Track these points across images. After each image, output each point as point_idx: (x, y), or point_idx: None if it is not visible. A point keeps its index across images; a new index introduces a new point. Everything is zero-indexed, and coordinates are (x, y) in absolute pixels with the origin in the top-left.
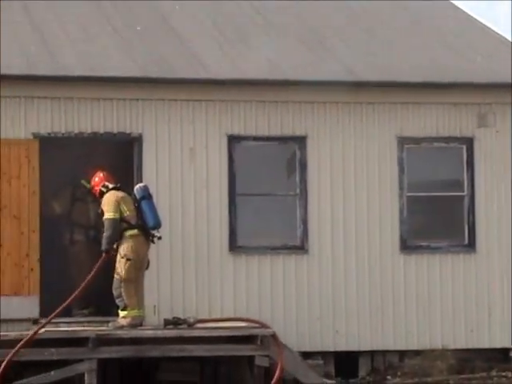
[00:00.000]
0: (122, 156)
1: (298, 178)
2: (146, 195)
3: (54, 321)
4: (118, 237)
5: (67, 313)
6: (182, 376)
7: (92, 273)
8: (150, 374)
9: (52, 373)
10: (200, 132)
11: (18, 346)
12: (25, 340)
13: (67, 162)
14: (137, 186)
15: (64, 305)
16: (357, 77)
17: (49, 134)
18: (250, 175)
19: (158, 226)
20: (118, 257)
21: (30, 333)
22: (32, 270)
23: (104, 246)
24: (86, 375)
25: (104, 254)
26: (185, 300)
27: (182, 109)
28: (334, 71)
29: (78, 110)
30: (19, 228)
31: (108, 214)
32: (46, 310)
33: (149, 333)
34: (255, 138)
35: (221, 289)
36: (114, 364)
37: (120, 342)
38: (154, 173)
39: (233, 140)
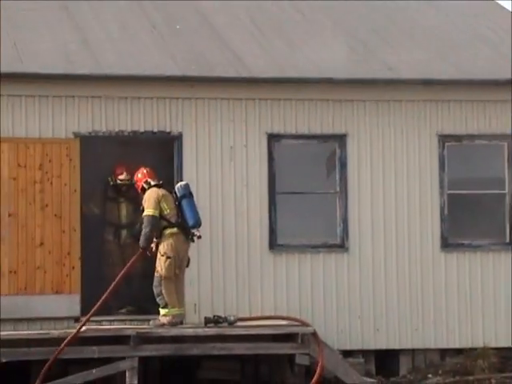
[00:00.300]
0: (162, 155)
1: (337, 177)
2: (187, 194)
3: (96, 319)
4: (156, 234)
5: (108, 311)
6: (223, 375)
7: (125, 268)
8: (191, 373)
9: (94, 370)
10: (240, 130)
11: (62, 345)
12: (68, 339)
13: (107, 160)
14: (178, 185)
15: (100, 301)
16: (397, 74)
17: (89, 133)
18: (289, 174)
19: (197, 224)
20: (158, 255)
21: (73, 331)
22: (73, 268)
23: (142, 243)
24: (127, 373)
25: (141, 250)
26: (225, 298)
27: (222, 107)
28: (373, 69)
29: (119, 108)
30: (60, 226)
31: (148, 211)
32: (87, 309)
33: (189, 331)
34: (295, 137)
35: (261, 287)
36: (155, 362)
37: (161, 340)
38: (193, 171)
39: (273, 138)
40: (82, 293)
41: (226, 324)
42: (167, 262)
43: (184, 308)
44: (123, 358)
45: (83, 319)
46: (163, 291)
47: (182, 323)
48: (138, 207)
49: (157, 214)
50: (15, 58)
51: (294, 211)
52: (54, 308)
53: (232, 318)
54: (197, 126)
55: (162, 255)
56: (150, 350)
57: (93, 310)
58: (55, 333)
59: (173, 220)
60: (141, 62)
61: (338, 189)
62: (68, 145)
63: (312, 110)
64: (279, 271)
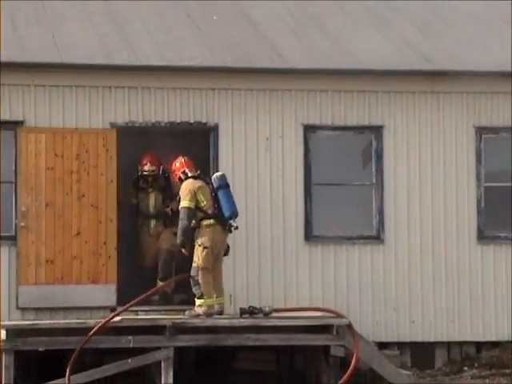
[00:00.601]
0: (198, 145)
1: (373, 168)
2: (223, 184)
3: (132, 309)
4: (193, 225)
5: (145, 301)
6: (258, 366)
7: (166, 283)
8: (226, 363)
9: (129, 360)
10: (276, 121)
11: (91, 333)
12: (97, 327)
13: (144, 151)
14: (214, 176)
15: (128, 305)
16: (434, 66)
17: (126, 123)
18: (325, 165)
19: (234, 215)
20: (196, 245)
21: (103, 320)
22: (109, 258)
23: (178, 239)
24: (162, 363)
25: (183, 251)
26: (260, 289)
27: (258, 98)
28: (411, 60)
29: (155, 99)
30: (97, 217)
31: (183, 203)
32: (122, 298)
33: (224, 322)
34: (331, 128)
35: (296, 278)
36: (191, 352)
37: (196, 330)
38: (229, 162)
39: (308, 130)
40: (118, 283)
41: (261, 315)
42: (204, 253)
43: (223, 297)
44: (158, 348)
45: (119, 309)
46: (200, 281)
47: (222, 313)
48: (166, 197)
49: (192, 205)
50: (53, 48)
51: (330, 202)
52: (91, 298)
53: (267, 309)
54: (233, 117)
55: (199, 245)
56: (185, 341)
57: (116, 312)
58: (91, 322)
59: (209, 211)
60: (177, 52)
61: (373, 180)
62: (105, 135)
63: (348, 102)
64: (314, 262)
